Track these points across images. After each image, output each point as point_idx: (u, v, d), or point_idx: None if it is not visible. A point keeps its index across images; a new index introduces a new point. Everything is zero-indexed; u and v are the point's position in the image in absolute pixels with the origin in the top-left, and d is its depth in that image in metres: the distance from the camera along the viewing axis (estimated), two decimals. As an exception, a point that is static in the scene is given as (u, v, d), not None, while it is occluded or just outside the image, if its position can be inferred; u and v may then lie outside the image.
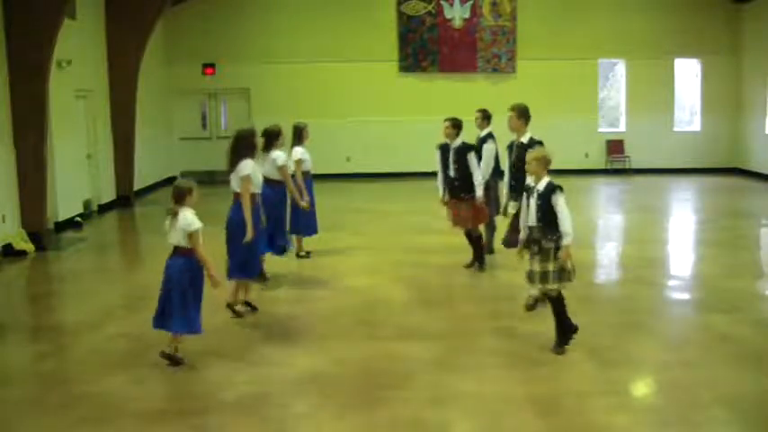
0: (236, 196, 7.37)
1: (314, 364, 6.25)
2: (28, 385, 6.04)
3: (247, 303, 7.68)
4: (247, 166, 7.25)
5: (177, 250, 6.12)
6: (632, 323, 7.22)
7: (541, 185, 6.20)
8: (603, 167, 20.15)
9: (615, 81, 22.90)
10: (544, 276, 6.14)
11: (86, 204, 14.37)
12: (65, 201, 13.11)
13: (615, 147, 20.17)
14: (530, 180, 6.33)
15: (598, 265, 10.16)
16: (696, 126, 20.73)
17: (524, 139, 7.83)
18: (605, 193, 17.53)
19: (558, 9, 19.65)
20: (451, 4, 19.65)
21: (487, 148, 9.74)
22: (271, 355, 6.47)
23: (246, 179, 7.21)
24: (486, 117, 9.99)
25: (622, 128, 20.64)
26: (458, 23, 19.70)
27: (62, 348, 6.95)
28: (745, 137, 19.58)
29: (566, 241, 6.06)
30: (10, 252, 10.75)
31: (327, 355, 6.43)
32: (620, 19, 19.66)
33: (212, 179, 19.87)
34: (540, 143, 7.62)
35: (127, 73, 15.56)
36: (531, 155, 6.32)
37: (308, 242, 10.25)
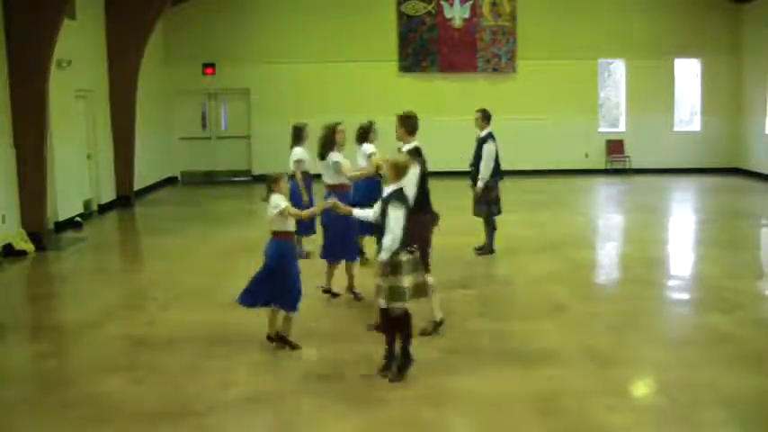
0: (329, 188, 8.04)
1: (314, 363, 6.25)
2: (28, 385, 6.04)
3: (351, 290, 8.22)
4: (334, 155, 7.99)
5: (272, 234, 6.45)
6: (632, 323, 7.22)
7: (387, 191, 5.82)
8: (603, 167, 20.14)
9: (611, 80, 22.90)
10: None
11: (86, 204, 14.37)
12: (65, 201, 13.11)
13: (615, 147, 20.18)
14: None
15: (598, 265, 10.17)
16: (696, 126, 20.74)
17: (405, 149, 6.93)
18: (605, 193, 17.52)
19: (558, 9, 19.65)
20: (451, 4, 19.66)
21: (487, 148, 9.77)
22: (271, 355, 6.46)
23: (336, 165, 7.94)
24: (486, 117, 10.00)
25: (622, 128, 20.64)
26: (458, 23, 19.70)
27: (62, 348, 6.95)
28: (745, 137, 19.58)
29: (382, 256, 5.65)
30: (10, 252, 10.75)
31: (328, 355, 6.43)
32: (620, 19, 19.67)
33: (212, 179, 19.97)
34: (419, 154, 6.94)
35: (127, 73, 15.55)
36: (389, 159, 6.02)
37: (308, 242, 10.25)
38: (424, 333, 6.72)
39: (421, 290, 5.86)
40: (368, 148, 9.26)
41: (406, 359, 5.85)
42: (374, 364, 6.19)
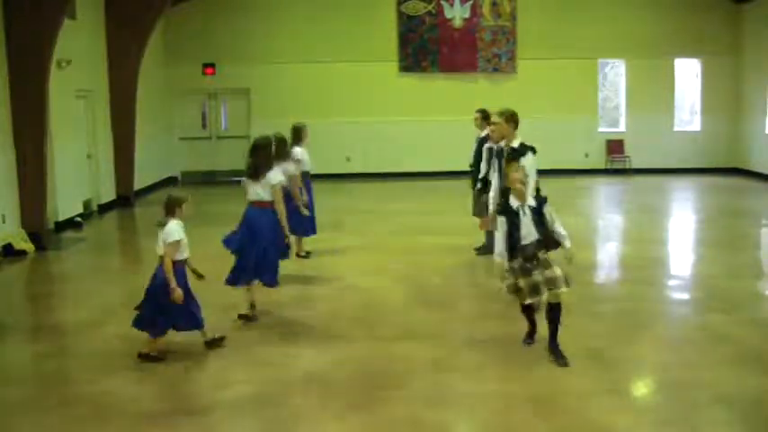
0: (259, 204, 7.39)
1: (314, 363, 6.25)
2: (28, 385, 6.04)
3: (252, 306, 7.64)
4: (277, 175, 7.44)
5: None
6: (632, 323, 7.22)
7: (532, 202, 6.13)
8: (603, 167, 20.15)
9: (607, 81, 22.90)
10: (552, 282, 6.00)
11: (86, 204, 14.37)
12: (65, 201, 13.12)
13: (615, 147, 20.18)
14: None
15: (598, 265, 10.16)
16: (696, 126, 20.73)
17: (515, 144, 7.85)
18: (605, 193, 17.53)
19: (558, 9, 19.65)
20: (451, 4, 19.65)
21: (488, 149, 9.75)
22: (271, 355, 6.47)
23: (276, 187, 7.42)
24: (485, 117, 10.00)
25: (622, 128, 20.64)
26: (458, 23, 19.70)
27: (62, 348, 6.96)
28: (745, 137, 19.58)
29: (568, 244, 6.11)
30: (10, 252, 10.75)
31: (327, 355, 6.43)
32: (620, 19, 19.67)
33: (212, 179, 19.96)
34: (532, 149, 7.71)
35: (127, 73, 15.56)
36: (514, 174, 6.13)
37: (308, 242, 10.26)
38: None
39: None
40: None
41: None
42: (374, 364, 6.20)
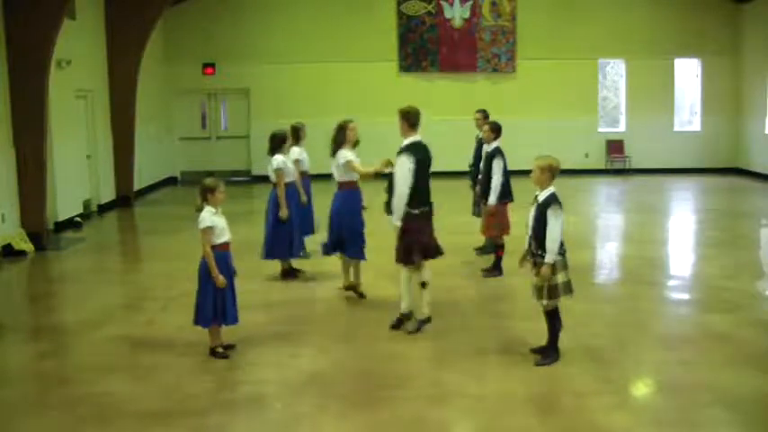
0: (339, 185, 8.40)
1: (314, 364, 6.25)
2: (28, 385, 6.05)
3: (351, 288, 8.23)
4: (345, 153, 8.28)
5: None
6: (632, 323, 7.23)
7: (542, 196, 5.95)
8: (603, 167, 20.15)
9: (606, 81, 22.88)
10: (537, 291, 5.99)
11: (86, 204, 14.37)
12: (65, 201, 13.11)
13: (615, 147, 20.18)
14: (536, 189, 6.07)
15: (598, 265, 10.17)
16: (696, 126, 20.73)
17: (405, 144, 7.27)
18: (605, 193, 17.52)
19: (558, 9, 19.65)
20: (451, 4, 19.66)
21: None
22: (271, 355, 6.47)
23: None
24: (486, 117, 10.02)
25: (622, 128, 20.65)
26: (458, 23, 19.71)
27: (62, 348, 6.96)
28: (745, 137, 19.58)
29: (547, 258, 5.84)
30: (10, 252, 10.75)
31: (328, 355, 6.44)
32: (620, 19, 19.67)
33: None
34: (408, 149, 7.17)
35: (127, 73, 15.56)
36: (535, 162, 6.00)
37: (308, 242, 10.24)
38: (410, 332, 6.91)
39: (569, 287, 6.01)
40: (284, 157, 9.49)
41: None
42: (374, 364, 6.20)
